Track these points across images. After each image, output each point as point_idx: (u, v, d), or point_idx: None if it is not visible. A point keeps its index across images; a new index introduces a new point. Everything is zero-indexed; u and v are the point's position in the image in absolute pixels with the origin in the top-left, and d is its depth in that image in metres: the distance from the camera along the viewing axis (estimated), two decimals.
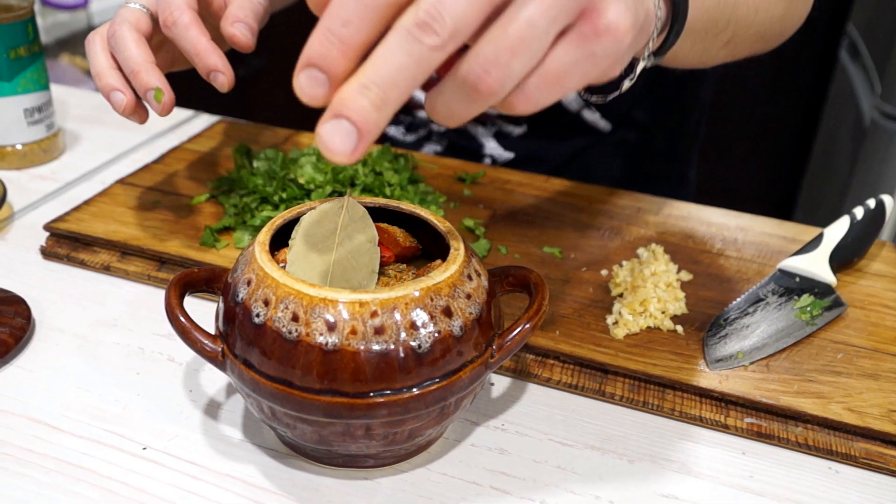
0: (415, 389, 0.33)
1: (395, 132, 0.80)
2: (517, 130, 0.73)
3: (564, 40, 0.28)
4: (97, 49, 0.48)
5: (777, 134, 1.89)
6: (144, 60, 0.46)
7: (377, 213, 0.39)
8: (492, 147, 0.74)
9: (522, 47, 0.27)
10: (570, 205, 0.59)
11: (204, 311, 0.48)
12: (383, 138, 0.79)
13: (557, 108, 0.70)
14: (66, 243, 0.53)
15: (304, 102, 0.28)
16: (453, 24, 0.26)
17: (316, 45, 0.27)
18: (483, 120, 0.73)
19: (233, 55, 0.51)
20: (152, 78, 0.45)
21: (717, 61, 0.52)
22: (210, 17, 0.49)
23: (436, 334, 0.33)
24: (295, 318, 0.32)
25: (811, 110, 1.79)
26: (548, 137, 0.73)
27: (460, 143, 0.75)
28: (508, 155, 0.74)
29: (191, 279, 0.37)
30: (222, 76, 0.46)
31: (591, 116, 0.70)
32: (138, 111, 0.48)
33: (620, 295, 0.48)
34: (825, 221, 0.54)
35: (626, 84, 0.39)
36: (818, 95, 1.75)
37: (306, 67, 0.27)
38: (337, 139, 0.26)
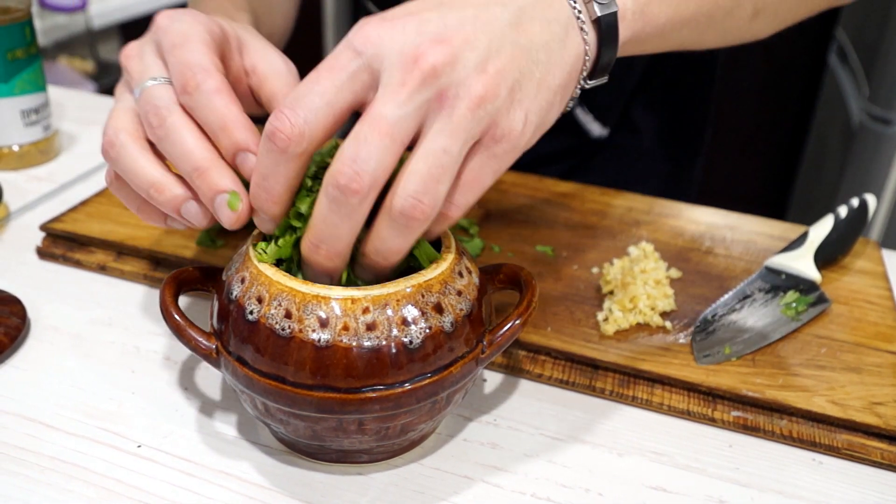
0: (406, 385, 0.33)
1: None
2: None
3: (474, 152, 0.32)
4: (135, 150, 0.36)
5: (769, 136, 1.90)
6: (212, 156, 0.35)
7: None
8: None
9: (443, 172, 0.31)
10: (562, 204, 0.60)
11: (199, 310, 0.48)
12: None
13: None
14: (62, 243, 0.54)
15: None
16: (371, 177, 0.30)
17: (252, 194, 0.34)
18: None
19: None
20: (225, 179, 0.34)
21: (756, 35, 0.46)
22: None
23: (427, 330, 0.33)
24: (288, 315, 0.32)
25: (802, 113, 1.80)
26: (546, 140, 0.72)
27: None
28: None
29: (185, 277, 0.38)
30: (252, 157, 0.35)
31: (584, 118, 0.70)
32: (207, 215, 0.36)
33: (611, 292, 0.49)
34: (816, 221, 0.55)
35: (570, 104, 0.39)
36: (809, 99, 1.77)
37: (254, 213, 0.34)
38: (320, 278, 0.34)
